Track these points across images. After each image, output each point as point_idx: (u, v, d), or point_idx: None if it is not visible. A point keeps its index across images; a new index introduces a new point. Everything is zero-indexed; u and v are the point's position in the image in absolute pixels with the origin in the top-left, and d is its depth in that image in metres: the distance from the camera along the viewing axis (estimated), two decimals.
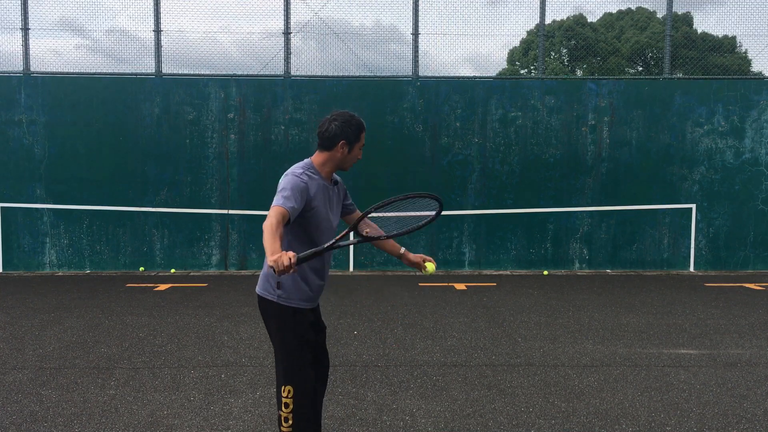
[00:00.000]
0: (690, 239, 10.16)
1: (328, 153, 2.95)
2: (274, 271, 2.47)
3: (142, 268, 10.05)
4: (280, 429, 2.98)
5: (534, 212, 10.15)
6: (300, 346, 2.94)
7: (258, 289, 2.99)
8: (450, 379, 4.68)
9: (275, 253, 2.49)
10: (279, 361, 2.95)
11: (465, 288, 8.51)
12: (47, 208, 9.99)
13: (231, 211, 10.05)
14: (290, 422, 2.94)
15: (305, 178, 2.86)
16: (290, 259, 2.47)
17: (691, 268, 10.15)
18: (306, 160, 3.01)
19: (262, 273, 3.01)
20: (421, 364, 5.03)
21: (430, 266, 3.20)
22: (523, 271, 10.06)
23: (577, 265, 10.22)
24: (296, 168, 2.93)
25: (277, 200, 2.76)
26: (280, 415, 2.96)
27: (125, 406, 4.14)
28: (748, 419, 3.91)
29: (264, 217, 2.92)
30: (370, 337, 5.87)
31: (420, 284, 8.80)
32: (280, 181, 2.86)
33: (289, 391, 2.92)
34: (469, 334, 5.98)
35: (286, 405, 2.92)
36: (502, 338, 5.85)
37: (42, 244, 10.03)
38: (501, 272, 9.97)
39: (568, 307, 7.24)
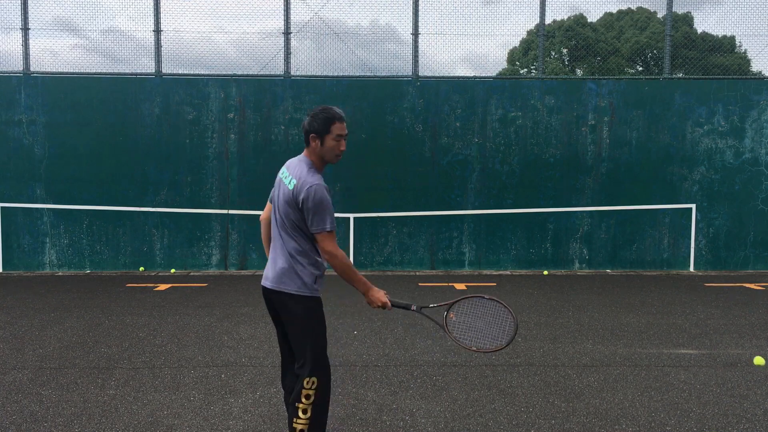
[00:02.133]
0: (690, 239, 10.16)
1: (308, 149, 3.07)
2: (372, 305, 3.01)
3: (142, 268, 10.05)
4: (294, 421, 2.94)
5: (534, 212, 10.15)
6: (325, 336, 3.08)
7: (287, 288, 3.00)
8: (450, 379, 4.68)
9: (371, 289, 3.01)
10: (308, 353, 2.98)
11: (465, 288, 8.51)
12: (47, 208, 9.98)
13: (231, 211, 10.05)
14: (308, 414, 2.94)
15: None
16: (386, 296, 3.02)
17: (691, 268, 10.15)
18: (304, 159, 3.06)
19: (280, 270, 3.01)
20: (421, 364, 5.03)
21: (759, 360, 4.41)
22: (523, 271, 10.06)
23: (577, 265, 10.22)
24: (311, 175, 2.97)
25: (328, 223, 2.91)
26: (297, 407, 2.94)
27: (125, 406, 4.14)
28: (748, 419, 3.91)
29: None
30: (370, 337, 5.87)
31: (420, 284, 8.81)
32: (314, 195, 2.89)
33: (313, 383, 2.95)
34: None
35: (308, 397, 2.95)
36: None
37: (42, 244, 10.03)
38: (501, 272, 9.97)
39: (568, 307, 7.24)
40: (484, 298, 3.12)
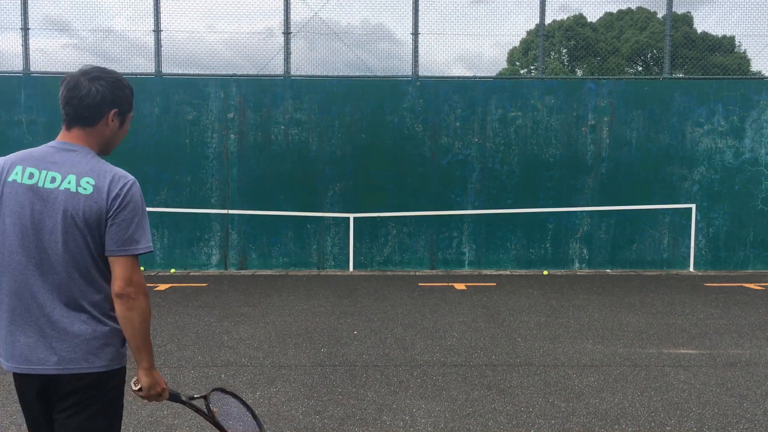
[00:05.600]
0: (690, 239, 10.16)
1: (88, 131, 2.10)
2: (150, 389, 2.15)
3: (142, 268, 10.04)
4: None
5: (534, 212, 10.15)
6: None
7: (94, 366, 2.06)
8: (450, 379, 4.68)
9: (155, 368, 2.13)
10: None
11: (465, 288, 8.51)
12: None
13: (231, 211, 10.05)
14: None
15: None
16: (164, 390, 2.14)
17: (691, 268, 10.15)
18: (81, 149, 2.07)
19: (82, 342, 2.01)
20: (421, 364, 5.03)
21: None
22: (523, 271, 10.06)
23: (577, 265, 10.22)
24: (115, 168, 2.13)
25: (147, 241, 2.00)
26: None
27: (125, 405, 4.13)
28: (748, 419, 3.92)
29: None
30: (370, 337, 5.87)
31: (420, 284, 8.81)
32: (138, 195, 2.08)
33: None
34: (469, 334, 5.98)
35: None
36: (502, 338, 5.85)
37: None
38: (501, 272, 9.97)
39: (568, 307, 7.24)
40: (233, 397, 2.59)
